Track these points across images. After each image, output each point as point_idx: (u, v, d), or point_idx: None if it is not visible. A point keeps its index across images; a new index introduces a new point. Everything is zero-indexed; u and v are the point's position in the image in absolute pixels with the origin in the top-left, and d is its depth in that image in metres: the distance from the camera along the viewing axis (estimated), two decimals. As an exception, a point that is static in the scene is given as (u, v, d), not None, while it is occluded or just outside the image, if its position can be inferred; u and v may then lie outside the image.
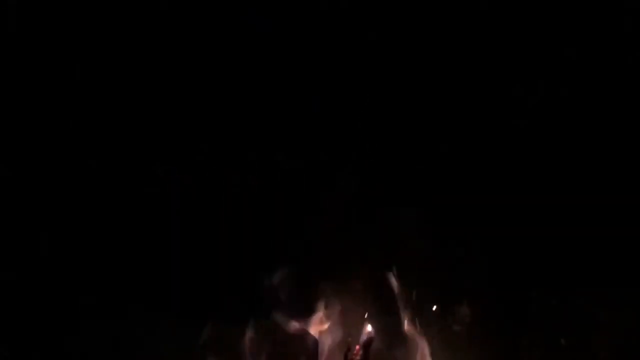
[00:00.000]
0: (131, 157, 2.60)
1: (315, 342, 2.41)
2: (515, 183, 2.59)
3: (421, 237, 2.50)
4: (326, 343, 2.41)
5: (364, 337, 2.32)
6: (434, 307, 2.50)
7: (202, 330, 2.44)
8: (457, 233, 2.54)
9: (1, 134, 2.56)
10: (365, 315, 2.40)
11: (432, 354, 2.43)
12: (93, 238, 2.56)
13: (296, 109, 2.63)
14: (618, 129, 2.58)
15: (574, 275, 2.52)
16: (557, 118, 2.61)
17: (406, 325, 2.44)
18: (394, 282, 2.48)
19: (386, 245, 2.52)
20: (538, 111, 2.61)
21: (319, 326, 2.43)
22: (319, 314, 2.43)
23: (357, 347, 2.30)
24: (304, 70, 2.63)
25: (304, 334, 2.41)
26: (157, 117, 2.62)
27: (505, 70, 2.61)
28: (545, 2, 2.58)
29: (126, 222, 2.57)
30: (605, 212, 2.51)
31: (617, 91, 2.58)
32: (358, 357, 2.29)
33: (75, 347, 2.44)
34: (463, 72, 2.62)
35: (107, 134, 2.60)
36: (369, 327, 2.33)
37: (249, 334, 2.41)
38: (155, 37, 2.60)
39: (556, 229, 2.53)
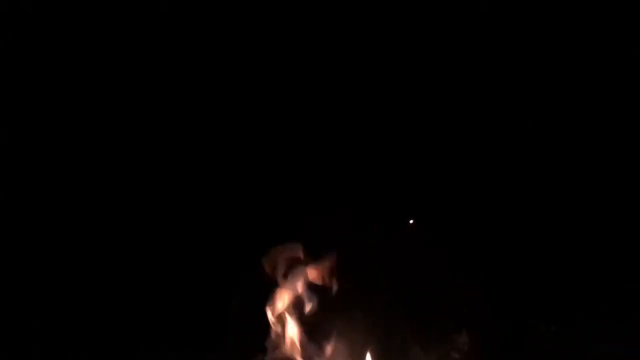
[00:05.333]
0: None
1: None
2: (515, 209, 2.58)
3: (419, 264, 2.49)
4: None
5: None
6: (433, 335, 2.48)
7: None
8: (456, 260, 2.52)
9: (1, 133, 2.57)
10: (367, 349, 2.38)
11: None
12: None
13: (297, 110, 2.63)
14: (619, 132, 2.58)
15: (572, 304, 2.51)
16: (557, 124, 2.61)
17: (406, 355, 2.43)
18: (393, 311, 2.47)
19: (385, 275, 2.50)
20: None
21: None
22: (321, 347, 2.40)
23: None
24: (304, 70, 2.62)
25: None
26: (156, 118, 2.62)
27: (505, 70, 2.60)
28: (546, 2, 2.58)
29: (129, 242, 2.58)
30: (605, 241, 2.52)
31: (618, 91, 2.58)
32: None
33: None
34: (462, 74, 2.62)
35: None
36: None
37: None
38: (154, 37, 2.60)
39: (555, 257, 2.54)
